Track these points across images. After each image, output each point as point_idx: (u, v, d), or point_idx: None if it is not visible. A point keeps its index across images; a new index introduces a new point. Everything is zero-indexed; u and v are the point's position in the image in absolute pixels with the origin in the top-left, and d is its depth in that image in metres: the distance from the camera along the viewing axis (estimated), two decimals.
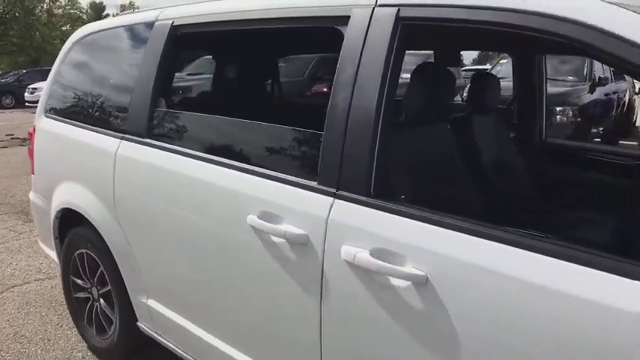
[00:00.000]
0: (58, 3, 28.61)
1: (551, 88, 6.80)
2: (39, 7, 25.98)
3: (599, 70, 8.27)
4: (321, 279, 1.35)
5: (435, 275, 1.15)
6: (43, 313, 2.93)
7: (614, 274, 0.95)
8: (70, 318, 2.70)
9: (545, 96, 2.69)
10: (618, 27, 1.00)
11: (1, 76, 19.79)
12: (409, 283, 1.18)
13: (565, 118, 6.99)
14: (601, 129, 7.71)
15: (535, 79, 2.64)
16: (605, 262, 0.97)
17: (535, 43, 2.11)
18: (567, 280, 1.00)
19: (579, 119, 7.07)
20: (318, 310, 1.38)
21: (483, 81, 2.53)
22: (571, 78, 7.97)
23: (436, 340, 1.17)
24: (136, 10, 2.42)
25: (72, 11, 32.55)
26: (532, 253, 1.04)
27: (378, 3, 1.37)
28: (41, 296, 3.14)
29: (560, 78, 8.00)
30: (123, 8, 52.42)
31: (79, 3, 31.01)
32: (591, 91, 7.82)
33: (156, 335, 2.12)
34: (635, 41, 0.98)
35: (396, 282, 1.20)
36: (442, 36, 2.09)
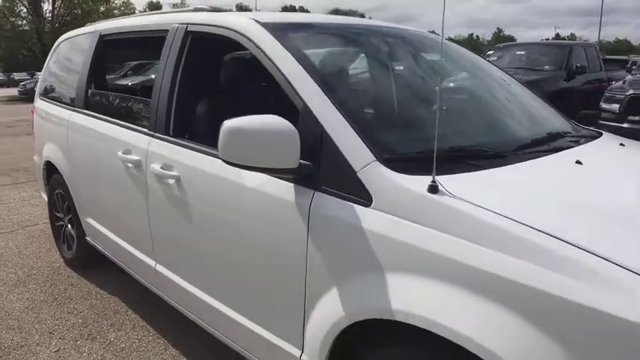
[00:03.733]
0: (113, 4, 30.85)
1: (527, 77, 7.41)
2: (96, 9, 28.23)
3: (581, 60, 8.68)
4: (146, 186, 2.31)
5: (182, 174, 2.07)
6: (41, 242, 4.06)
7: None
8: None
9: None
10: (252, 35, 1.91)
11: None
12: (174, 180, 2.11)
13: None
14: None
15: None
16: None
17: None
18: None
19: None
20: (146, 206, 2.33)
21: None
22: (547, 67, 8.45)
23: (188, 209, 2.08)
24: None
25: (127, 12, 34.99)
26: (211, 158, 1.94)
27: (180, 22, 2.30)
28: (43, 232, 4.29)
29: (537, 68, 8.51)
30: (174, 6, 54.59)
31: (132, 4, 33.26)
32: (568, 78, 8.29)
33: (94, 244, 3.15)
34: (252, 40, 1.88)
35: (169, 181, 2.14)
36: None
